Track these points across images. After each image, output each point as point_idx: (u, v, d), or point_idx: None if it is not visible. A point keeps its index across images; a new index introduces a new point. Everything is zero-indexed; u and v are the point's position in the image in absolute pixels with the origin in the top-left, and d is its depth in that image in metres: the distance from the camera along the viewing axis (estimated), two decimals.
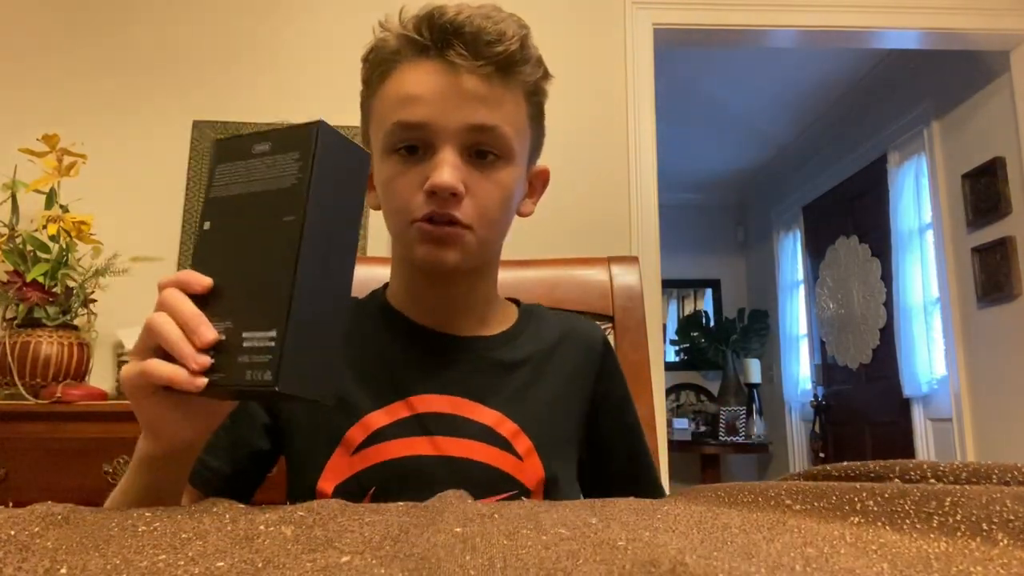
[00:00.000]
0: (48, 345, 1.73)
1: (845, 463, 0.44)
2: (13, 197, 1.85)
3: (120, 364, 1.94)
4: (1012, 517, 0.32)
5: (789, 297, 4.61)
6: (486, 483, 0.66)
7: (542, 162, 0.77)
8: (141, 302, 0.46)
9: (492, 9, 0.66)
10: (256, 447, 0.70)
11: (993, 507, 0.33)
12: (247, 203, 0.46)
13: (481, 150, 0.65)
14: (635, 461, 0.81)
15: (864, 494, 0.37)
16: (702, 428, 4.67)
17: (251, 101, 2.19)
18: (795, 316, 4.57)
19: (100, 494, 0.57)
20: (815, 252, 4.32)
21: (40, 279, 1.74)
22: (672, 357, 5.03)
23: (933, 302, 3.19)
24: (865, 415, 3.76)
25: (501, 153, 0.66)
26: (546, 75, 0.70)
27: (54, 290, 1.77)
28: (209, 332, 0.43)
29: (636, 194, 2.21)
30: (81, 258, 1.86)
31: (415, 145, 0.65)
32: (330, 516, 0.37)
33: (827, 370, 4.14)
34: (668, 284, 4.83)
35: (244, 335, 0.43)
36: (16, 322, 1.76)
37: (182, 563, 0.30)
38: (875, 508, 0.36)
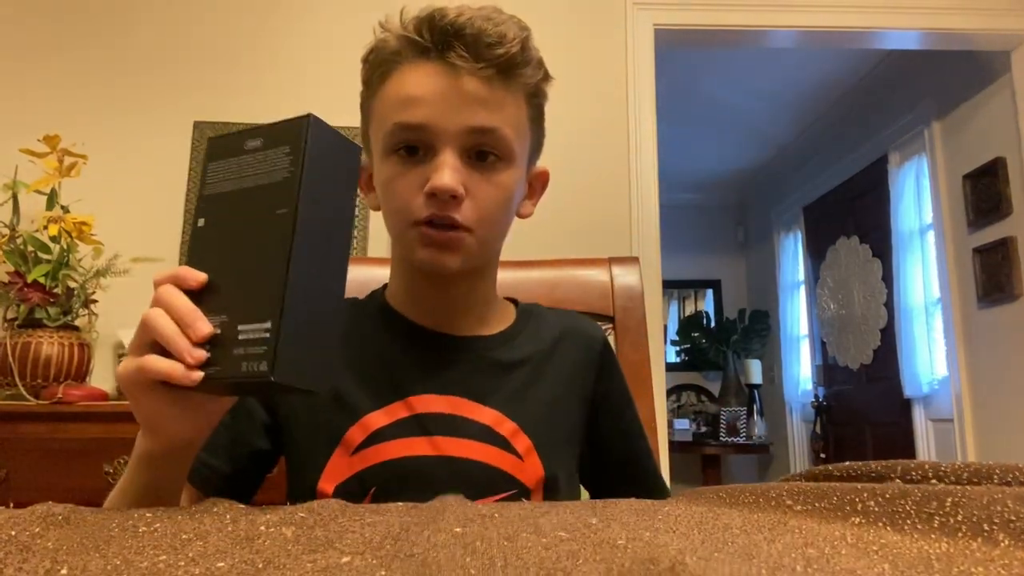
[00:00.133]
0: (49, 346, 1.73)
1: (846, 463, 0.43)
2: (14, 198, 1.85)
3: None
4: (1013, 518, 0.32)
5: (790, 297, 4.61)
6: (486, 483, 0.66)
7: (543, 163, 0.77)
8: (142, 303, 0.46)
9: (493, 11, 0.65)
10: (256, 446, 0.70)
11: (994, 507, 0.33)
12: (240, 198, 0.46)
13: (481, 152, 0.65)
14: (636, 461, 0.80)
15: (865, 494, 0.37)
16: (703, 429, 4.67)
17: (251, 101, 2.19)
18: (796, 317, 4.56)
19: (101, 494, 0.57)
20: (816, 252, 4.31)
21: (41, 280, 1.75)
22: (673, 358, 5.02)
23: (934, 302, 3.19)
24: (866, 415, 3.76)
25: (501, 155, 0.66)
26: (547, 77, 0.70)
27: (55, 291, 1.77)
28: (204, 326, 0.43)
29: (636, 194, 2.21)
30: (82, 259, 1.86)
31: (415, 146, 0.65)
32: (331, 517, 0.37)
33: (828, 371, 4.14)
34: (669, 285, 4.83)
35: (239, 328, 0.43)
36: (17, 323, 1.76)
37: (182, 564, 0.30)
38: (876, 508, 0.36)
